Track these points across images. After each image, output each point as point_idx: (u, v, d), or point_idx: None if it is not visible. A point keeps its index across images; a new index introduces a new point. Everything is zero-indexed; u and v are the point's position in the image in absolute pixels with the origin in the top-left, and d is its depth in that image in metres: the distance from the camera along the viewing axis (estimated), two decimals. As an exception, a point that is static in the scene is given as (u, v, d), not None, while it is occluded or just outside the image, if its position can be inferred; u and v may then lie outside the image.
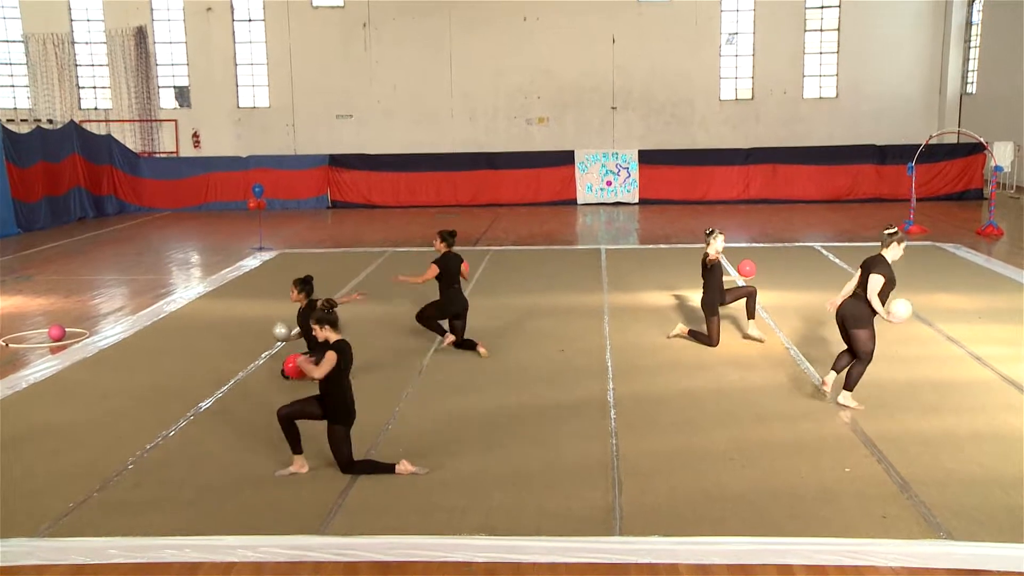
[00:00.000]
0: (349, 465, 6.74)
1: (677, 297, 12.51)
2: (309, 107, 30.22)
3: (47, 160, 21.39)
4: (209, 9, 30.15)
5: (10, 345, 10.78)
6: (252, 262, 16.19)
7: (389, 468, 6.75)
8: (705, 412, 8.06)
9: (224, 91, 30.57)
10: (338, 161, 24.96)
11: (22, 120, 29.73)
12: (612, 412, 8.07)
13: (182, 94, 31.21)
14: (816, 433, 7.49)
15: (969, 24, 28.53)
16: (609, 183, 24.28)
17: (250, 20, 30.40)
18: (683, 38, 29.40)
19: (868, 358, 7.96)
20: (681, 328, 10.42)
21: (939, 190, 23.27)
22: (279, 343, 10.26)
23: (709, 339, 10.05)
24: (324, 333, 6.69)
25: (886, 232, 8.00)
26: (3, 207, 19.69)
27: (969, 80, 28.64)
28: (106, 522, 6.11)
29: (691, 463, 6.92)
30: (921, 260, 14.37)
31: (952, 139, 24.94)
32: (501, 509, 6.19)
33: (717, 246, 9.92)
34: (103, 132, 26.61)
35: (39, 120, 29.47)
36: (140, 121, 30.55)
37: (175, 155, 29.83)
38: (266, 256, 16.78)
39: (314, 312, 6.82)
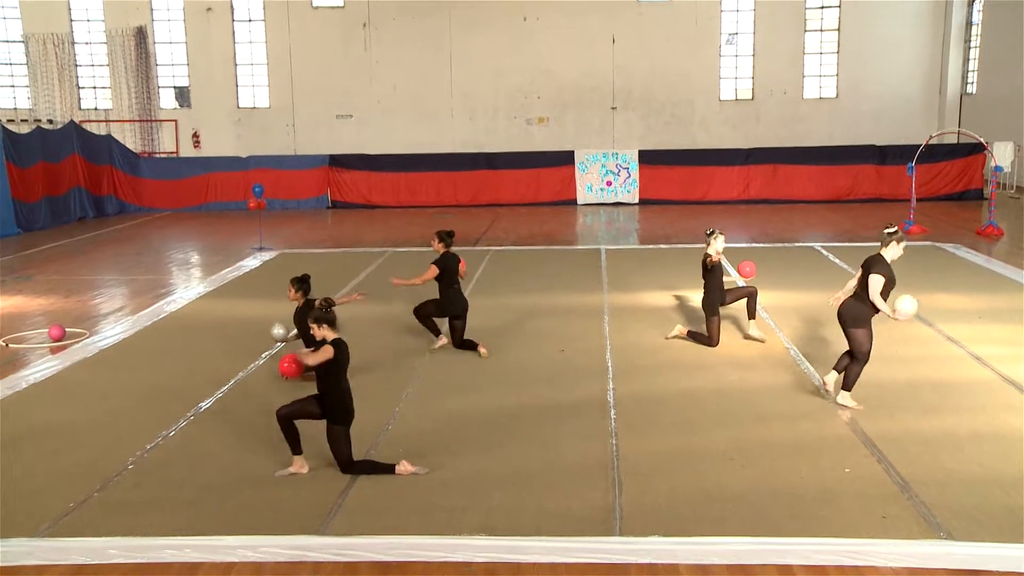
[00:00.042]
0: (349, 465, 6.74)
1: (677, 297, 12.51)
2: (309, 107, 30.22)
3: (47, 160, 21.40)
4: (209, 9, 30.16)
5: (10, 345, 10.78)
6: (252, 262, 16.20)
7: (389, 468, 6.75)
8: (705, 412, 8.06)
9: (224, 91, 30.58)
10: (338, 161, 24.96)
11: (22, 120, 29.74)
12: (612, 412, 8.07)
13: (182, 94, 31.22)
14: (816, 433, 7.49)
15: (969, 24, 28.54)
16: (609, 183, 24.28)
17: (250, 20, 30.40)
18: (683, 38, 29.41)
19: (864, 358, 7.97)
20: (680, 329, 10.42)
21: (939, 190, 23.27)
22: (278, 344, 10.27)
23: (709, 339, 10.05)
24: (321, 332, 6.69)
25: (885, 231, 8.00)
26: (3, 207, 19.70)
27: (969, 80, 28.64)
28: (106, 522, 6.11)
29: (691, 463, 6.92)
30: (921, 260, 14.37)
31: (952, 139, 24.93)
32: (501, 509, 6.19)
33: (718, 246, 9.92)
34: (103, 132, 26.61)
35: (39, 120, 29.48)
36: (140, 121, 30.56)
37: (175, 155, 29.84)
38: (266, 256, 16.78)
39: (312, 311, 6.82)
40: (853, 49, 29.26)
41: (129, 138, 29.70)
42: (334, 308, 6.82)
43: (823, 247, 16.52)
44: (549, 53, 29.56)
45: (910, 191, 19.38)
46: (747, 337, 10.36)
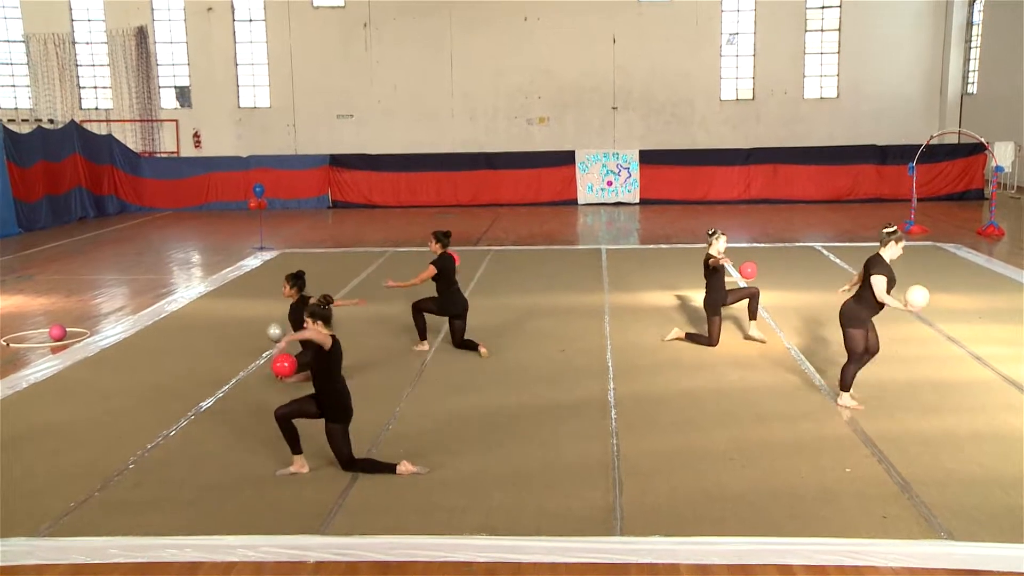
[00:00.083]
0: (350, 463, 6.74)
1: (678, 297, 12.51)
2: (310, 107, 30.23)
3: (48, 160, 21.40)
4: (210, 9, 30.16)
5: (11, 345, 10.79)
6: (253, 262, 16.20)
7: (390, 468, 6.75)
8: (705, 412, 8.06)
9: (225, 91, 30.59)
10: (339, 161, 24.96)
11: (23, 120, 29.75)
12: (612, 412, 8.07)
13: (183, 94, 31.23)
14: (816, 433, 7.49)
15: (970, 24, 28.53)
16: (610, 183, 24.28)
17: (251, 20, 30.41)
18: (683, 38, 29.40)
19: (856, 358, 7.99)
20: (677, 332, 10.38)
21: (940, 190, 23.25)
22: (276, 344, 10.24)
23: (709, 339, 10.04)
24: (315, 328, 6.68)
25: (884, 231, 8.01)
26: (4, 207, 19.70)
27: (970, 80, 28.63)
28: (106, 522, 6.11)
29: (691, 463, 6.92)
30: (922, 260, 14.37)
31: (953, 139, 24.92)
32: (501, 509, 6.19)
33: (719, 247, 9.92)
34: (104, 132, 26.61)
35: (40, 120, 29.49)
36: (141, 121, 30.57)
37: (176, 155, 29.83)
38: (267, 256, 16.78)
39: (308, 305, 6.81)
40: (854, 49, 29.26)
41: (130, 138, 29.71)
42: (331, 307, 6.81)
43: (823, 247, 16.52)
44: (549, 53, 29.55)
45: (911, 191, 19.37)
46: (747, 337, 10.35)
